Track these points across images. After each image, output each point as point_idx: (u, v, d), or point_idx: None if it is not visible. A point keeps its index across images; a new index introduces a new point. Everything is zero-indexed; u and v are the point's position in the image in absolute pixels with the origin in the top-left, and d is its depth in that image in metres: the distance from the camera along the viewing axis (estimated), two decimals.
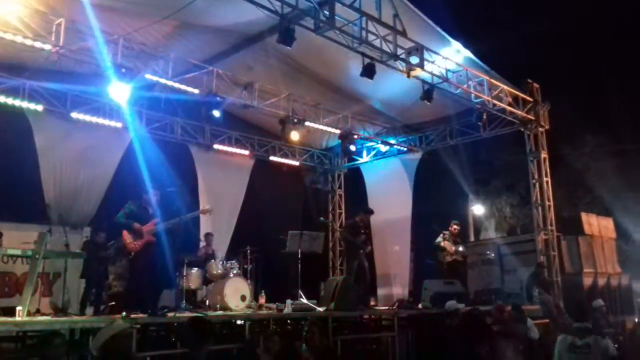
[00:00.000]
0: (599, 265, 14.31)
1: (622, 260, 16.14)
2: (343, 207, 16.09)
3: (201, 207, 10.14)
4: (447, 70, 10.39)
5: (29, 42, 8.42)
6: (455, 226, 12.04)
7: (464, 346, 3.39)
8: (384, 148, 14.95)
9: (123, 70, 9.15)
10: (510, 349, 7.41)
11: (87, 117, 11.18)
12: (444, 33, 10.13)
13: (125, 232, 8.17)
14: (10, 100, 10.25)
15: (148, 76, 9.73)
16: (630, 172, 19.10)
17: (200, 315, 7.47)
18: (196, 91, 10.43)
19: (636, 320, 13.49)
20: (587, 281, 13.56)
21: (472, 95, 11.11)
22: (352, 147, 13.42)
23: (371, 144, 14.98)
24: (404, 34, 9.20)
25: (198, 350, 4.69)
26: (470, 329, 3.45)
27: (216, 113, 10.83)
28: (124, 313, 7.15)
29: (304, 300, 9.57)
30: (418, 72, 9.71)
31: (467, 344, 3.38)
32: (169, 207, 8.59)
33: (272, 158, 14.69)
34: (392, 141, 14.44)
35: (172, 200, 8.73)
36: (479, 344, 3.34)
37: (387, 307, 11.56)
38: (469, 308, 9.01)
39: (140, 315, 7.36)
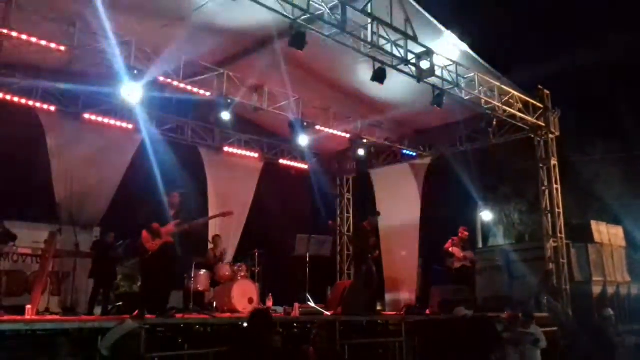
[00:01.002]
0: (608, 273, 14.22)
1: (632, 269, 16.01)
2: (351, 212, 16.09)
3: (223, 210, 10.06)
4: (458, 76, 10.39)
5: (43, 43, 8.49)
6: (464, 232, 12.03)
7: (475, 353, 3.39)
8: (393, 153, 14.95)
9: (135, 72, 9.19)
10: (518, 356, 7.40)
11: (99, 118, 11.27)
12: (456, 39, 10.12)
13: (144, 232, 8.16)
14: (23, 101, 10.34)
15: (160, 78, 9.78)
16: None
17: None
18: (207, 93, 10.48)
19: None
20: (596, 289, 13.48)
21: (483, 101, 11.09)
22: (362, 152, 13.44)
23: (380, 148, 14.97)
24: (415, 38, 9.21)
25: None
26: (483, 336, 3.45)
27: (225, 116, 10.83)
28: (137, 311, 7.17)
29: (312, 304, 9.57)
30: (429, 77, 9.72)
31: (479, 351, 3.38)
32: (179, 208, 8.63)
33: (281, 161, 14.72)
34: (402, 146, 14.43)
35: (182, 202, 8.75)
36: (492, 352, 3.35)
37: (394, 313, 11.54)
38: (477, 315, 9.00)
39: (149, 315, 7.39)
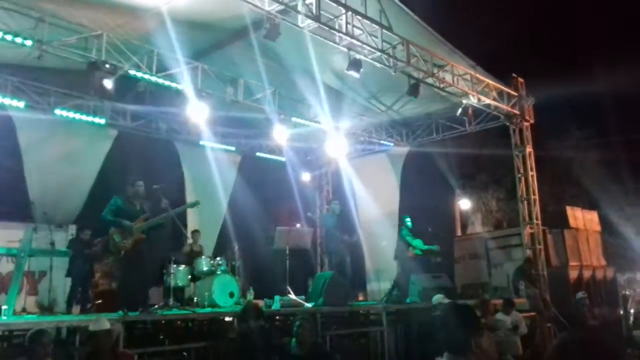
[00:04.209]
0: (584, 258, 14.45)
1: (607, 253, 16.30)
2: None
3: (187, 201, 9.98)
4: (433, 65, 10.42)
5: (10, 37, 8.31)
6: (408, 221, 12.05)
7: (457, 337, 3.41)
8: (370, 143, 14.98)
9: (107, 66, 9.04)
10: (490, 340, 7.49)
11: (71, 114, 11.08)
12: (429, 29, 10.14)
13: (114, 231, 7.95)
14: None
15: (132, 72, 9.64)
16: (614, 164, 19.32)
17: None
18: (181, 87, 10.34)
19: (621, 312, 13.66)
20: (573, 274, 13.68)
21: (458, 90, 11.14)
22: (338, 142, 13.42)
23: (358, 138, 14.98)
24: (389, 29, 9.21)
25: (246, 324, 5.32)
26: (464, 321, 3.47)
27: (198, 109, 10.61)
28: (120, 312, 7.09)
29: (292, 297, 9.56)
30: (405, 67, 9.74)
31: (461, 335, 3.41)
32: (155, 204, 8.46)
33: (258, 154, 14.65)
34: (379, 136, 14.47)
35: (159, 198, 8.61)
36: (472, 336, 3.38)
37: (375, 302, 11.59)
38: (450, 301, 9.07)
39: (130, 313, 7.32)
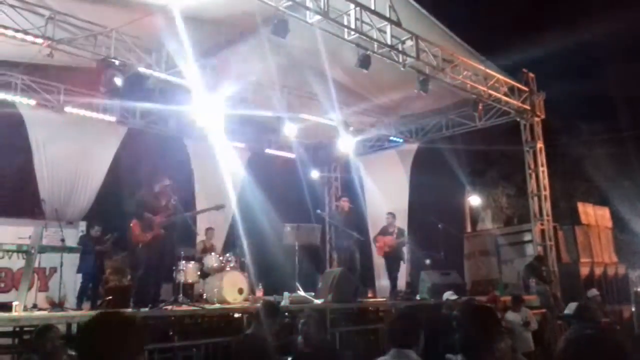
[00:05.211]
0: (595, 254, 14.35)
1: (619, 249, 16.17)
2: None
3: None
4: (443, 60, 10.36)
5: (20, 35, 8.35)
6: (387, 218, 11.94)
7: (475, 342, 3.32)
8: (380, 140, 14.92)
9: (117, 63, 9.07)
10: (508, 346, 7.45)
11: (81, 112, 11.13)
12: (438, 23, 10.08)
13: (135, 223, 8.03)
14: (2, 95, 10.19)
15: (142, 69, 9.66)
16: (626, 160, 19.12)
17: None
18: (190, 84, 10.34)
19: (633, 309, 13.54)
20: (584, 271, 13.60)
21: (468, 85, 11.07)
22: (348, 139, 13.38)
23: (367, 135, 14.93)
24: (398, 24, 9.16)
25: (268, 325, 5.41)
26: (485, 325, 3.36)
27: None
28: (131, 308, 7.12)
29: (302, 293, 9.56)
30: (414, 63, 9.69)
31: (481, 340, 3.31)
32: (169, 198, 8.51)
33: (268, 151, 14.63)
34: (388, 132, 14.41)
35: (168, 195, 8.63)
36: (494, 341, 3.26)
37: (384, 299, 11.56)
38: (466, 298, 9.03)
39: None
